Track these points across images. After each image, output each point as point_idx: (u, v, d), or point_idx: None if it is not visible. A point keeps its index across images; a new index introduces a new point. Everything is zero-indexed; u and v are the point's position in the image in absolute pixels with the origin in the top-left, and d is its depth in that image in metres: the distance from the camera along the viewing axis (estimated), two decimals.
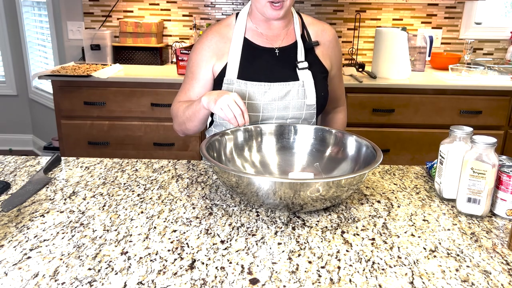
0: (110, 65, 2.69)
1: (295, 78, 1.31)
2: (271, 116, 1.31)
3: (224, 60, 1.32)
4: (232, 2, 2.96)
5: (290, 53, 1.34)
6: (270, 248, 0.86)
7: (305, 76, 1.31)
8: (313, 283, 0.76)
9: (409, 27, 2.98)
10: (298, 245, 0.87)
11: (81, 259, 0.82)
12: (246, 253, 0.84)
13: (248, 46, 1.33)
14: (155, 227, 0.93)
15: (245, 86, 1.28)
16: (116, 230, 0.92)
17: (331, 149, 1.21)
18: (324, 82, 1.37)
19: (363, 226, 0.96)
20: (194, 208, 1.03)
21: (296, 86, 1.30)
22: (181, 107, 1.33)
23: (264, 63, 1.32)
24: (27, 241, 0.87)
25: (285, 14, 1.28)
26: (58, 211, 1.00)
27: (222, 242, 0.88)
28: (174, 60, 2.89)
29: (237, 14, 1.37)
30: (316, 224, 0.96)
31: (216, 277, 0.77)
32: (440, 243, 0.90)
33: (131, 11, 2.97)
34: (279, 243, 0.88)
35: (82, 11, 2.97)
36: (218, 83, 1.33)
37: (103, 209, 1.02)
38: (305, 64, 1.32)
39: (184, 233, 0.91)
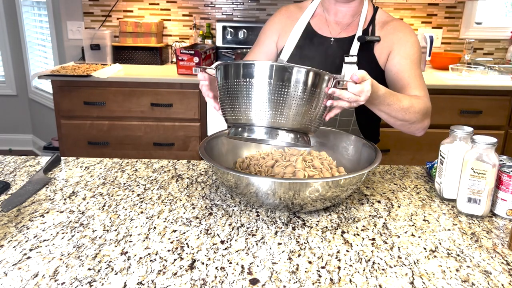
0: (110, 65, 2.69)
1: (338, 71, 1.27)
2: None
3: (285, 39, 1.35)
4: (232, 2, 2.96)
5: (344, 45, 1.30)
6: (270, 248, 0.86)
7: (349, 71, 1.23)
8: (313, 283, 0.76)
9: None
10: (298, 245, 0.87)
11: (81, 259, 0.81)
12: (246, 253, 0.84)
13: (308, 32, 1.33)
14: (155, 227, 0.93)
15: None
16: (116, 230, 0.92)
17: (330, 149, 1.21)
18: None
19: (363, 226, 0.96)
20: (194, 208, 1.03)
21: None
22: None
23: (315, 52, 1.30)
24: (27, 241, 0.87)
25: None
26: (58, 211, 1.00)
27: (222, 242, 0.88)
28: (174, 60, 2.88)
29: None
30: (316, 224, 0.96)
31: (216, 277, 0.77)
32: (440, 243, 0.90)
33: (131, 11, 2.96)
34: (279, 243, 0.88)
35: (82, 11, 2.97)
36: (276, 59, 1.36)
37: (103, 209, 1.01)
38: (353, 59, 1.25)
39: (184, 233, 0.91)
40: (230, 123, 0.97)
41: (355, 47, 1.28)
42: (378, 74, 1.29)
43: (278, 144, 1.01)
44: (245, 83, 0.89)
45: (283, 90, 0.88)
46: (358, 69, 1.20)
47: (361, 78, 0.95)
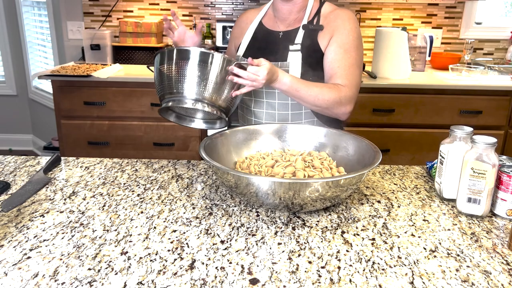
0: (110, 65, 2.68)
1: (284, 59, 1.36)
2: (260, 92, 1.39)
3: (240, 39, 1.48)
4: (232, 2, 2.96)
5: (292, 36, 1.39)
6: (270, 248, 0.86)
7: (294, 57, 1.35)
8: (313, 283, 0.76)
9: (409, 27, 2.98)
10: (298, 245, 0.87)
11: (81, 259, 0.81)
12: (246, 253, 0.84)
13: (260, 29, 1.45)
14: (155, 227, 0.93)
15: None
16: (116, 230, 0.92)
17: (330, 149, 1.21)
18: (314, 65, 1.37)
19: (363, 226, 0.96)
20: (194, 208, 1.03)
21: (282, 66, 1.35)
22: None
23: (266, 45, 1.42)
24: (27, 241, 0.87)
25: None
26: (58, 211, 1.00)
27: (222, 242, 0.88)
28: None
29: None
30: (316, 224, 0.96)
31: (216, 277, 0.77)
32: (440, 243, 0.90)
33: (131, 11, 2.96)
34: (279, 243, 0.88)
35: (82, 11, 2.97)
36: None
37: (103, 209, 1.01)
38: (297, 47, 1.36)
39: (184, 233, 0.91)
40: (165, 98, 1.18)
41: (299, 35, 1.37)
42: (317, 56, 1.37)
43: (199, 109, 1.18)
44: (177, 64, 1.14)
45: (197, 68, 1.13)
46: (302, 55, 1.34)
47: (257, 62, 1.15)
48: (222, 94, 1.17)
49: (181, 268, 0.79)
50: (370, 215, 1.01)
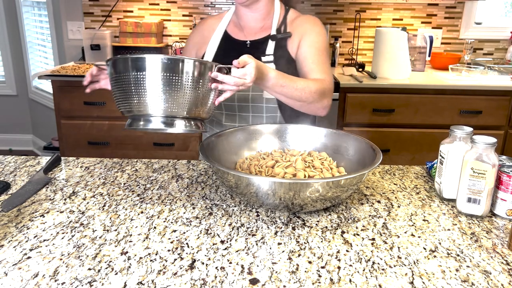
0: None
1: None
2: (233, 106, 1.35)
3: (205, 48, 1.42)
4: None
5: (260, 46, 1.36)
6: (270, 248, 0.86)
7: None
8: (313, 283, 0.76)
9: (409, 27, 2.98)
10: (298, 245, 0.87)
11: (81, 259, 0.82)
12: (246, 253, 0.84)
13: (226, 39, 1.40)
14: (155, 227, 0.93)
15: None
16: (116, 230, 0.92)
17: (330, 149, 1.21)
18: (289, 74, 1.33)
19: (363, 226, 0.96)
20: (194, 208, 1.03)
21: None
22: None
23: (234, 55, 1.29)
24: (27, 241, 0.87)
25: (251, 2, 1.33)
26: (58, 211, 1.00)
27: (222, 242, 0.88)
28: None
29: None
30: (316, 224, 0.96)
31: (216, 277, 0.77)
32: (440, 243, 0.90)
33: (131, 11, 2.97)
34: (279, 243, 0.88)
35: (82, 11, 2.97)
36: None
37: (103, 209, 1.02)
38: (270, 58, 1.33)
39: (184, 233, 0.91)
40: (127, 115, 1.04)
41: (270, 46, 1.35)
42: (291, 64, 1.35)
43: (175, 131, 1.06)
44: (137, 76, 0.96)
45: (172, 80, 0.96)
46: (276, 67, 1.30)
47: (242, 63, 1.04)
48: (205, 105, 1.02)
49: (181, 268, 0.79)
50: (370, 215, 1.01)
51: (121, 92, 1.00)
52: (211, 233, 0.91)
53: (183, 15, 2.98)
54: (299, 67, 1.35)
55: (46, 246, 0.86)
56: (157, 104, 0.97)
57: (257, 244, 0.87)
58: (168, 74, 0.95)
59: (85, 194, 1.09)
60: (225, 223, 0.95)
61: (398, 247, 0.88)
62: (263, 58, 1.33)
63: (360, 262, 0.82)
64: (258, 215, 0.99)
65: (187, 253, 0.84)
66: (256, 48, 1.36)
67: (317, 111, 1.30)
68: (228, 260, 0.82)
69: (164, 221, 0.96)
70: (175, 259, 0.82)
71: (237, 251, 0.85)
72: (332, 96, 1.33)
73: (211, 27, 1.43)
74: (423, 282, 0.77)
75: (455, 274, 0.80)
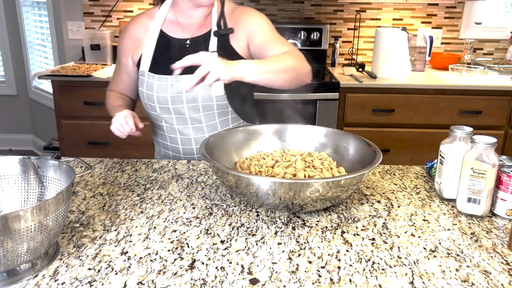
0: (110, 65, 2.69)
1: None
2: (181, 108, 1.31)
3: (140, 51, 1.35)
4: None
5: (201, 43, 1.31)
6: (270, 248, 0.86)
7: None
8: (313, 283, 0.76)
9: (409, 27, 2.98)
10: (298, 245, 0.87)
11: (81, 259, 0.81)
12: (246, 253, 0.84)
13: (163, 38, 1.34)
14: (155, 227, 0.93)
15: (153, 79, 1.31)
16: (116, 230, 0.92)
17: (330, 149, 1.21)
18: None
19: (363, 226, 0.96)
20: (194, 208, 1.03)
21: None
22: (109, 101, 1.41)
23: (174, 56, 1.25)
24: None
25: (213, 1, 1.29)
26: None
27: (222, 242, 0.88)
28: None
29: (161, 4, 1.37)
30: (316, 224, 0.96)
31: (216, 277, 0.77)
32: (440, 243, 0.90)
33: (131, 11, 2.96)
34: (279, 243, 0.88)
35: (82, 11, 2.97)
36: (138, 73, 1.37)
37: (103, 209, 1.01)
38: (214, 55, 1.28)
39: (184, 233, 0.91)
40: None
41: (213, 43, 1.30)
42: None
43: None
44: None
45: None
46: None
47: (195, 60, 1.03)
48: None
49: (181, 268, 0.79)
50: (370, 215, 1.01)
51: None
52: (211, 233, 0.91)
53: None
54: (260, 55, 1.29)
55: None
56: None
57: (257, 244, 0.87)
58: None
59: (85, 194, 1.09)
60: (225, 223, 0.95)
61: (398, 247, 0.88)
62: None
63: (360, 262, 0.82)
64: (258, 215, 0.99)
65: (187, 253, 0.84)
66: (197, 46, 1.30)
67: (305, 79, 1.23)
68: (228, 260, 0.82)
69: (164, 221, 0.96)
70: (175, 259, 0.82)
71: (237, 251, 0.85)
72: (305, 60, 1.23)
73: (143, 27, 1.36)
74: (423, 282, 0.77)
75: (455, 274, 0.80)
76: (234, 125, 1.38)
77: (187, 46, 1.32)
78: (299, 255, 0.84)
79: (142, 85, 1.34)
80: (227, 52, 1.30)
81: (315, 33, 2.88)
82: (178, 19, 1.34)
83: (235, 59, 1.16)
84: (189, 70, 1.12)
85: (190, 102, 1.30)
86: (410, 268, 0.81)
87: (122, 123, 1.22)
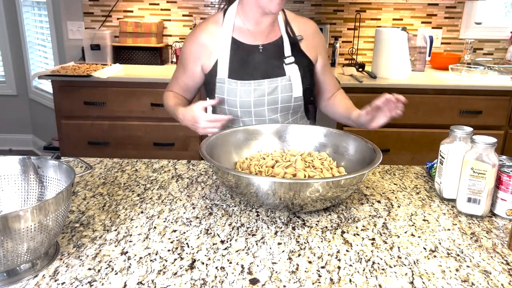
0: (110, 65, 2.68)
1: (282, 73, 1.35)
2: (262, 111, 1.35)
3: (213, 58, 1.36)
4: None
5: (274, 49, 1.37)
6: (270, 248, 0.86)
7: (292, 70, 1.36)
8: (313, 283, 0.76)
9: (409, 27, 2.97)
10: (298, 245, 0.87)
11: (81, 259, 0.81)
12: (246, 253, 0.84)
13: (236, 45, 1.36)
14: (155, 227, 0.93)
15: (236, 85, 1.32)
16: (116, 230, 0.92)
17: (330, 149, 1.21)
18: (309, 75, 1.41)
19: (363, 226, 0.96)
20: (194, 208, 1.03)
21: (283, 81, 1.34)
22: (169, 102, 1.44)
23: (251, 61, 1.35)
24: None
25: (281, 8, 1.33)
26: None
27: (222, 242, 0.88)
28: (174, 60, 2.88)
29: (224, 11, 1.40)
30: (316, 224, 0.96)
31: (216, 277, 0.77)
32: (440, 243, 0.90)
33: (131, 11, 2.96)
34: (279, 243, 0.88)
35: (82, 11, 2.97)
36: (210, 79, 1.38)
37: (103, 209, 1.01)
38: (292, 59, 1.36)
39: (184, 233, 0.91)
40: None
41: (287, 48, 1.38)
42: (310, 67, 1.43)
43: None
44: None
45: None
46: (297, 66, 1.37)
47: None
48: None
49: (181, 268, 0.79)
50: (370, 215, 1.01)
51: None
52: (211, 233, 0.91)
53: (183, 15, 2.97)
54: (318, 79, 1.48)
55: None
56: None
57: (257, 244, 0.87)
58: None
59: (85, 194, 1.09)
60: (225, 223, 0.95)
61: (398, 247, 0.88)
62: (286, 60, 1.35)
63: (360, 262, 0.82)
64: (258, 215, 0.99)
65: (187, 253, 0.84)
66: (271, 52, 1.37)
67: None
68: (228, 260, 0.82)
69: (164, 221, 0.96)
70: (175, 259, 0.82)
71: (237, 251, 0.85)
72: None
73: (212, 34, 1.37)
74: (423, 282, 0.77)
75: (455, 274, 0.80)
76: (302, 122, 1.47)
77: (261, 51, 1.37)
78: (299, 255, 0.84)
79: (222, 92, 1.34)
80: (301, 57, 1.39)
81: None
82: (247, 26, 1.37)
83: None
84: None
85: (271, 104, 1.35)
86: (410, 268, 0.81)
87: (211, 119, 1.24)
